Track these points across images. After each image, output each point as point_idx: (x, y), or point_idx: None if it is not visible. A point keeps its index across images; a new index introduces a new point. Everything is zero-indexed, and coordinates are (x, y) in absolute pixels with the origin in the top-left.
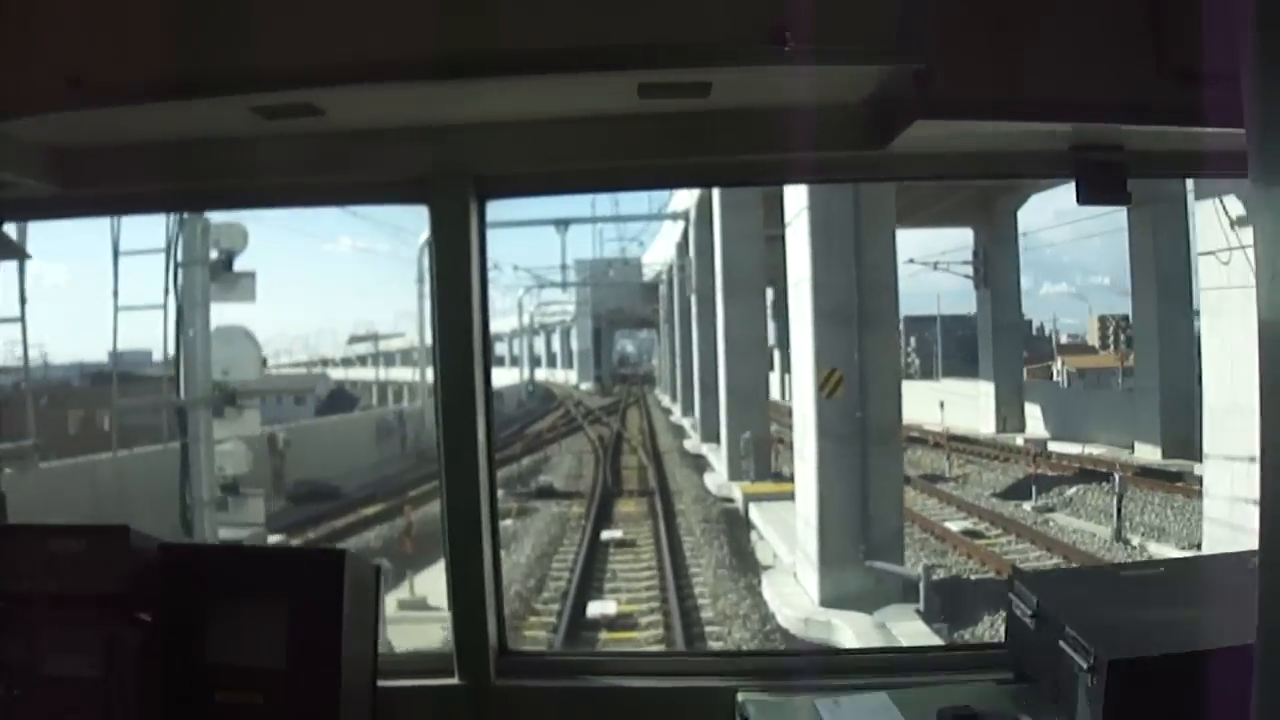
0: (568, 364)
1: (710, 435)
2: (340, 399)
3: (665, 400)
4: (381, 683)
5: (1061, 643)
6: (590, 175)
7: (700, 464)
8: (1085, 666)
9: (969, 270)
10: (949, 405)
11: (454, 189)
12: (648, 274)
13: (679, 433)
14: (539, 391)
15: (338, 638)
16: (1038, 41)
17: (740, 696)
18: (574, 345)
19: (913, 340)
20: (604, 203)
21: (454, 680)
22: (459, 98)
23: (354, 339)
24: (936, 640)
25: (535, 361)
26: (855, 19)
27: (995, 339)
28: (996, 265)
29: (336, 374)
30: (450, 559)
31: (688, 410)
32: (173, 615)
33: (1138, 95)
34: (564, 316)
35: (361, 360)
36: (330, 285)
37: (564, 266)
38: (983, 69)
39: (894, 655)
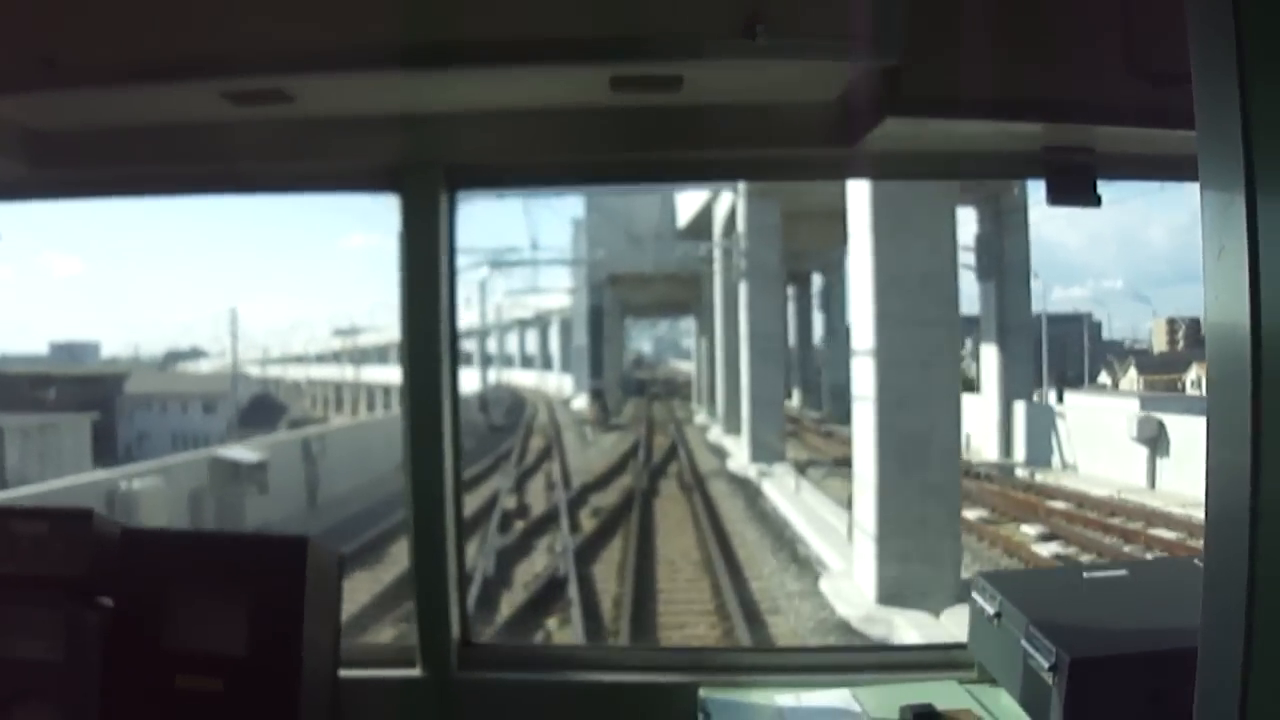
0: (567, 366)
1: None
2: (267, 406)
3: (734, 455)
4: (343, 673)
5: (1024, 642)
6: (562, 168)
7: None
8: (1048, 665)
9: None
10: None
11: (425, 179)
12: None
13: None
14: (506, 406)
15: (299, 626)
16: (1009, 41)
17: (702, 693)
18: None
19: (966, 343)
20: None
21: (416, 672)
22: (431, 87)
23: (338, 332)
24: None
25: (527, 362)
26: (827, 15)
27: None
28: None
29: (300, 373)
30: (414, 551)
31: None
32: (134, 600)
33: (1109, 97)
34: (558, 305)
35: (336, 357)
36: (313, 274)
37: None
38: (954, 68)
39: (857, 654)
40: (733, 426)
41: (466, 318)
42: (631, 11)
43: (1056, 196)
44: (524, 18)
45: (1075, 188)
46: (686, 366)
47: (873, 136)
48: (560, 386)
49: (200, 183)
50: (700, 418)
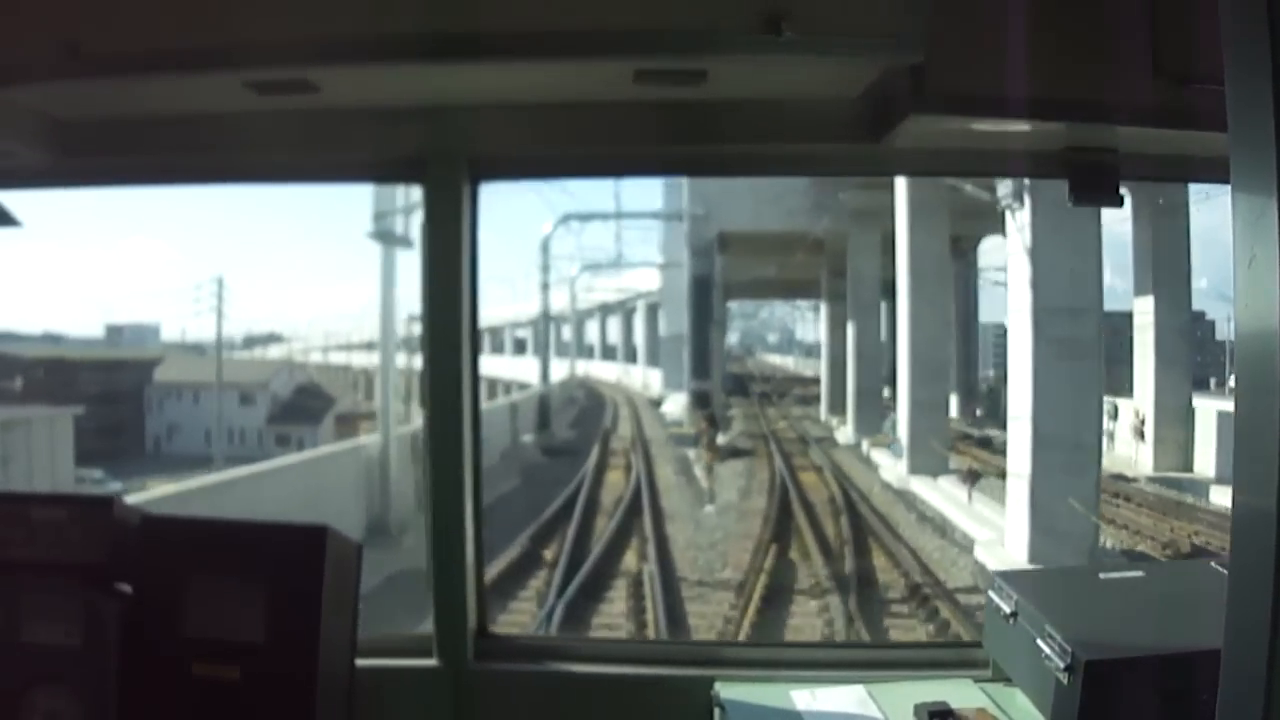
0: (654, 359)
1: None
2: (310, 398)
3: (969, 531)
4: (360, 662)
5: (1039, 642)
6: (585, 160)
7: None
8: (1063, 666)
9: None
10: None
11: (448, 170)
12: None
13: None
14: (578, 410)
15: (317, 614)
16: (1034, 40)
17: (717, 686)
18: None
19: None
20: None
21: (433, 662)
22: (454, 78)
23: (412, 317)
24: None
25: (608, 353)
26: (851, 12)
27: None
28: None
29: (365, 359)
30: (432, 541)
31: None
32: (152, 587)
33: (1132, 97)
34: (645, 287)
35: (406, 343)
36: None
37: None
38: (978, 66)
39: (872, 651)
40: (924, 464)
41: (535, 302)
42: (656, 5)
43: (1079, 197)
44: (548, 10)
45: (1097, 188)
46: (778, 360)
47: (896, 134)
48: (646, 382)
49: (224, 172)
50: (842, 434)
